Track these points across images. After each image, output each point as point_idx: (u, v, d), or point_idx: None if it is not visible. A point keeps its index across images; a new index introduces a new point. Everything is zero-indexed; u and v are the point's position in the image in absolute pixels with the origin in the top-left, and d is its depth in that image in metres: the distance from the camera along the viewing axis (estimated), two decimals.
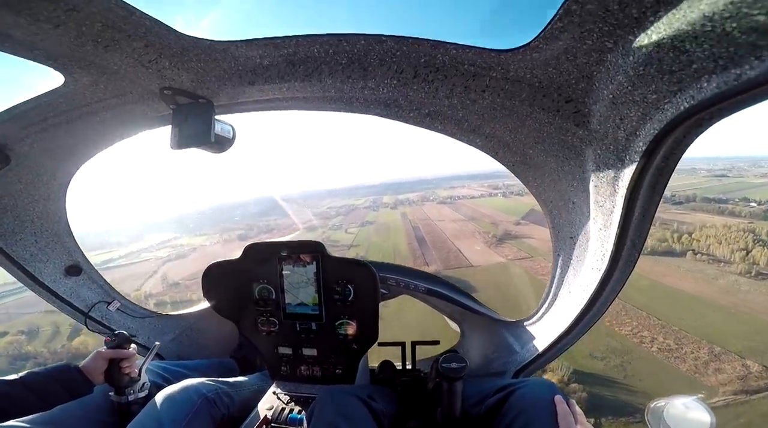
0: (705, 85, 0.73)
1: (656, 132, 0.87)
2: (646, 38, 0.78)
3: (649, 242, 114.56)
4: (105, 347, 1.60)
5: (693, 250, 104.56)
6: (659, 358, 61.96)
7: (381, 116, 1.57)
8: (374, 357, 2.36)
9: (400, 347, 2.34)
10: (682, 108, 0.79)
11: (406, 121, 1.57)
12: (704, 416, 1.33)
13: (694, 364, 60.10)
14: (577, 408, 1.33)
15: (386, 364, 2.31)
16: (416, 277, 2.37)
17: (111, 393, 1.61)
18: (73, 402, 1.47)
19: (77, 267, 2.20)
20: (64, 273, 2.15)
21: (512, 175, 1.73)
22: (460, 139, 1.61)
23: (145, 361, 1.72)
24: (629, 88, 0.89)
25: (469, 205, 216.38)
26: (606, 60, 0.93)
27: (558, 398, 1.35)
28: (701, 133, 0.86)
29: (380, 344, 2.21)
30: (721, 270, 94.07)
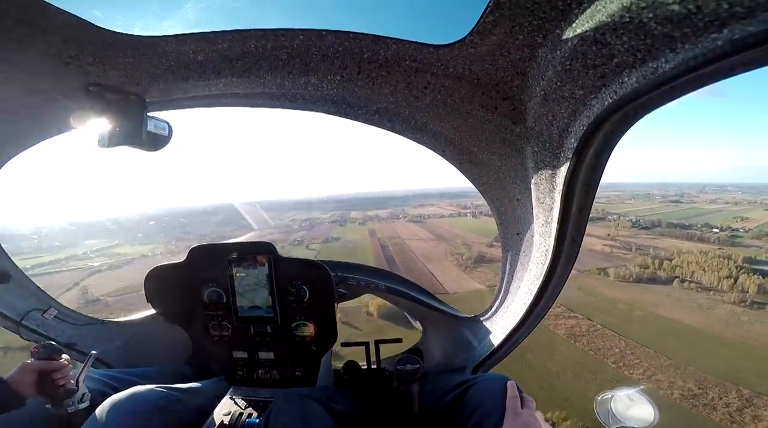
0: (626, 79, 0.74)
1: (585, 128, 0.89)
2: (572, 32, 0.79)
3: (633, 269, 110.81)
4: (32, 359, 1.52)
5: (679, 278, 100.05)
6: (685, 407, 52.59)
7: (328, 113, 1.56)
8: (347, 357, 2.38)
9: (364, 347, 2.27)
10: (606, 103, 0.81)
11: (355, 119, 1.56)
12: (647, 406, 1.49)
13: (727, 412, 51.39)
14: (527, 396, 1.37)
15: (350, 364, 2.26)
16: (376, 276, 2.34)
17: (47, 406, 1.52)
18: (5, 415, 1.39)
19: (4, 274, 2.05)
20: None
21: (480, 194, 1.80)
22: (408, 137, 1.64)
23: (81, 371, 1.61)
24: (558, 83, 0.91)
25: (439, 224, 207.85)
26: (537, 55, 0.95)
27: (510, 383, 1.39)
28: (628, 128, 0.89)
29: (343, 344, 2.26)
30: (712, 298, 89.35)
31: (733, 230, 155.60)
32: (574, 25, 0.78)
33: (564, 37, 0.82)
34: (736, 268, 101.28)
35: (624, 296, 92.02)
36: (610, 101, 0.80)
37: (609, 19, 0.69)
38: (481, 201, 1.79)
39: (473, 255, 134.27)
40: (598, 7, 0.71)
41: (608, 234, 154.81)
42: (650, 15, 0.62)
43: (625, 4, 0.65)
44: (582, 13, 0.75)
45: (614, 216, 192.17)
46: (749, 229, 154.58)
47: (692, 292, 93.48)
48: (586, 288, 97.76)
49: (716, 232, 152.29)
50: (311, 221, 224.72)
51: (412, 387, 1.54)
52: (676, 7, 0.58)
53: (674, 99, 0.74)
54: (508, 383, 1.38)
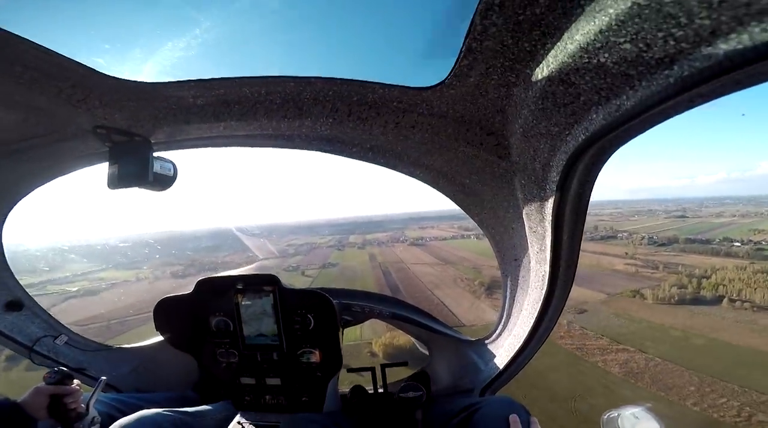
0: (594, 116, 0.77)
1: (564, 163, 0.92)
2: (540, 72, 0.83)
3: (672, 289, 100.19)
4: (44, 383, 1.55)
5: (728, 297, 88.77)
6: None
7: (324, 152, 1.63)
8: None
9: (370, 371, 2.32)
10: (579, 140, 0.84)
11: (350, 156, 1.64)
12: (653, 424, 1.48)
13: None
14: (532, 417, 1.38)
15: (357, 389, 2.31)
16: (381, 302, 2.43)
17: None
18: None
19: (18, 303, 2.16)
20: (3, 309, 2.12)
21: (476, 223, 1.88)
22: (402, 172, 1.72)
23: (91, 396, 1.65)
24: (534, 121, 0.96)
25: (442, 246, 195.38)
26: (513, 94, 1.00)
27: (512, 417, 1.39)
28: (607, 159, 0.92)
29: (349, 370, 2.33)
30: None
31: (756, 243, 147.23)
32: (542, 65, 0.82)
33: (534, 77, 0.86)
34: None
35: (672, 321, 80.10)
36: (583, 138, 0.82)
37: (570, 60, 0.72)
38: None
39: (486, 280, 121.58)
40: (560, 49, 0.75)
41: (626, 253, 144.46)
42: (606, 55, 0.65)
43: (581, 45, 0.68)
44: (547, 54, 0.79)
45: (624, 233, 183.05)
46: None
47: (748, 312, 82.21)
48: (624, 313, 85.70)
49: (739, 246, 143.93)
50: (308, 246, 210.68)
51: (416, 414, 1.62)
52: (627, 46, 0.61)
53: (642, 132, 0.77)
54: (510, 417, 1.37)
